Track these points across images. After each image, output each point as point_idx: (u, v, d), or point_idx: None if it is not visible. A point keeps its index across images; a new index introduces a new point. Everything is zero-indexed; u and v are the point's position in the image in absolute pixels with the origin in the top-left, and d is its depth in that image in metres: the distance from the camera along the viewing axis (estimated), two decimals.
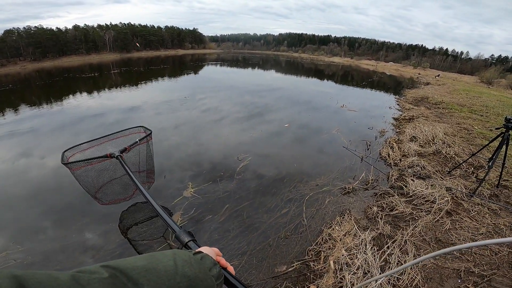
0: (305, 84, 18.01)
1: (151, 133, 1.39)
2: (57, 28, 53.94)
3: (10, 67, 40.74)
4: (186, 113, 8.08)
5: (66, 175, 4.28)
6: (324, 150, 5.54)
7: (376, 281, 1.99)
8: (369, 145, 5.78)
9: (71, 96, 11.93)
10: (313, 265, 2.43)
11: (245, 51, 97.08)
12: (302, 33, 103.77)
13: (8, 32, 47.74)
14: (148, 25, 72.90)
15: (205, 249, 0.59)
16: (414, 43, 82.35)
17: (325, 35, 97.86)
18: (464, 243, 2.60)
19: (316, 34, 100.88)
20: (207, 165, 4.64)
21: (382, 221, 2.97)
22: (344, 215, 3.11)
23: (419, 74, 36.51)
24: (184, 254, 0.46)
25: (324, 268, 2.33)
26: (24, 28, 50.03)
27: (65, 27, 57.02)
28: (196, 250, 0.52)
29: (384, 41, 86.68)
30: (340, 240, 2.60)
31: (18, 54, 46.78)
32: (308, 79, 22.07)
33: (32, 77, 23.25)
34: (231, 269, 0.62)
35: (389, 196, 3.54)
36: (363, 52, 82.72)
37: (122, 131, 1.35)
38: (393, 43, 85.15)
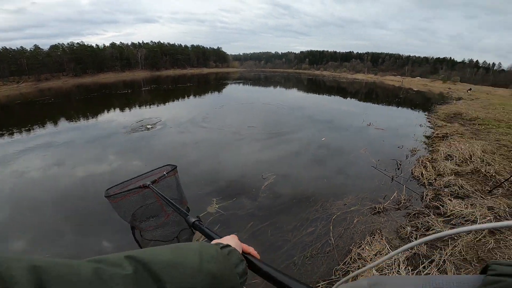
0: (327, 102, 17.89)
1: (176, 167, 1.56)
2: (96, 45, 58.92)
3: (54, 81, 45.06)
4: (207, 131, 8.31)
5: (90, 185, 4.59)
6: (351, 170, 5.35)
7: None
8: (400, 164, 5.50)
9: (105, 111, 12.92)
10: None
11: (267, 69, 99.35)
12: (323, 50, 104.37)
13: (53, 47, 52.75)
14: (176, 44, 77.65)
15: (227, 240, 0.57)
16: (441, 56, 78.88)
17: (347, 51, 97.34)
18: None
19: (338, 50, 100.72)
20: (231, 182, 4.67)
21: None
22: (375, 235, 2.95)
23: (450, 88, 34.87)
24: (210, 249, 0.43)
25: None
26: (68, 44, 54.81)
27: (103, 44, 62.00)
28: (224, 243, 0.49)
29: (409, 55, 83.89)
30: (370, 260, 2.45)
31: (61, 69, 51.13)
32: (330, 97, 21.91)
33: (72, 92, 25.60)
34: (254, 253, 0.59)
35: (424, 216, 3.31)
36: (387, 67, 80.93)
37: (152, 170, 1.54)
38: (419, 57, 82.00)
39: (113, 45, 61.93)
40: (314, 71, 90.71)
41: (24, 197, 4.31)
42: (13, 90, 35.84)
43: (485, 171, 4.65)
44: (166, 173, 1.52)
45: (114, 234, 3.22)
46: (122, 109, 13.34)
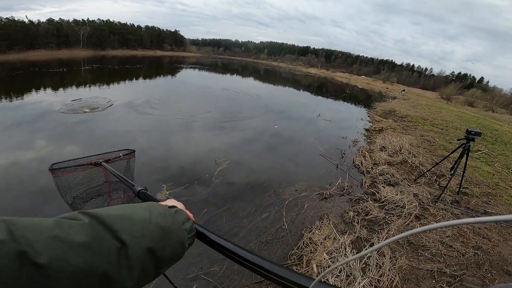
0: (283, 92, 18.47)
1: (134, 151, 1.44)
2: (29, 20, 49.42)
3: None
4: (158, 115, 7.85)
5: (17, 175, 3.92)
6: (301, 157, 5.70)
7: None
8: (344, 153, 6.07)
9: (33, 91, 10.99)
10: (296, 269, 2.47)
11: (225, 56, 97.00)
12: (282, 43, 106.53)
13: None
14: (128, 23, 70.17)
15: (173, 202, 0.64)
16: (384, 58, 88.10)
17: (304, 46, 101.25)
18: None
19: (296, 44, 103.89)
20: (183, 168, 4.50)
21: (359, 225, 3.12)
22: (323, 220, 3.22)
23: (387, 88, 39.24)
24: (159, 207, 0.49)
25: (307, 272, 2.38)
26: None
27: (38, 20, 52.47)
28: (170, 204, 0.55)
29: (358, 55, 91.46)
30: (320, 244, 2.68)
31: None
32: (285, 88, 22.66)
33: None
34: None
35: (363, 202, 3.73)
36: (338, 64, 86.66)
37: (109, 152, 1.40)
38: (366, 57, 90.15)
39: (50, 21, 52.45)
40: (272, 62, 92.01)
41: None
42: None
43: (411, 162, 5.44)
44: (122, 155, 1.40)
45: None
46: (55, 89, 11.53)
